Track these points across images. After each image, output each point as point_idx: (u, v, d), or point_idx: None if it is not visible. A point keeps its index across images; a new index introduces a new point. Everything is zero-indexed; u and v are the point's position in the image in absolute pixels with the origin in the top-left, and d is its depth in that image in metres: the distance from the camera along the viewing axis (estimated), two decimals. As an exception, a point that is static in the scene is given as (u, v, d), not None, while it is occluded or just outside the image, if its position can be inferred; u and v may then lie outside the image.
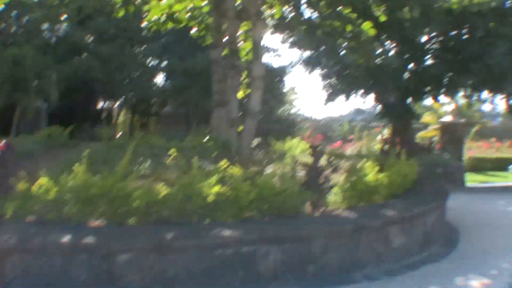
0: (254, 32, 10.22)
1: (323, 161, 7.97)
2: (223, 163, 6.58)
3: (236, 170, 6.49)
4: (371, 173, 7.63)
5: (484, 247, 8.18)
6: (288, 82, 49.63)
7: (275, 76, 22.06)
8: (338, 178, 7.90)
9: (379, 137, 16.56)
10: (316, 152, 7.68)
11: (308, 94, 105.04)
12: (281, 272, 5.75)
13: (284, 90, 24.56)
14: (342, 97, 16.37)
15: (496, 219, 10.90)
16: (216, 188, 6.09)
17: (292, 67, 17.51)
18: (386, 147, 11.53)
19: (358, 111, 21.89)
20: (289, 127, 23.23)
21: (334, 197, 7.38)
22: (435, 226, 8.17)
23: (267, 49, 22.91)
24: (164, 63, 24.64)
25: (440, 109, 22.62)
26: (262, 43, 10.50)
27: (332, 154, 9.66)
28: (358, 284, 5.99)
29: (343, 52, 13.24)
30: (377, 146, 15.20)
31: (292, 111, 26.24)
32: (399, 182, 8.26)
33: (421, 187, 9.08)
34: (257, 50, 10.15)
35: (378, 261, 6.61)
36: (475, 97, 17.86)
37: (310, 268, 5.95)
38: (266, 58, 23.03)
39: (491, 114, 37.59)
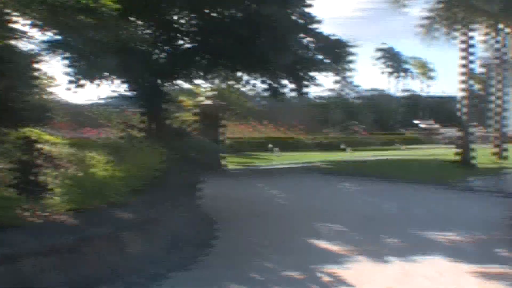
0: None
1: (40, 155, 6.23)
2: None
3: None
4: (100, 166, 6.12)
5: (247, 243, 7.29)
6: (47, 66, 45.53)
7: (25, 60, 19.63)
8: (60, 174, 6.22)
9: (132, 122, 15.16)
10: (29, 144, 5.93)
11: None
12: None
13: (38, 75, 22.02)
14: (87, 82, 14.52)
15: (258, 206, 10.35)
16: None
17: (37, 50, 15.02)
18: (133, 133, 10.16)
19: (120, 96, 20.26)
20: (41, 114, 20.98)
21: (54, 199, 5.82)
22: (186, 224, 7.14)
23: (15, 31, 20.37)
24: None
25: (201, 92, 22.23)
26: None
27: (69, 144, 8.02)
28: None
29: (86, 32, 11.58)
30: (124, 132, 13.75)
31: (47, 96, 23.70)
32: (140, 175, 6.97)
33: (170, 177, 7.94)
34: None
35: (114, 276, 5.40)
36: (232, 80, 17.51)
37: (22, 293, 4.63)
38: (15, 41, 20.46)
39: (254, 96, 38.90)
